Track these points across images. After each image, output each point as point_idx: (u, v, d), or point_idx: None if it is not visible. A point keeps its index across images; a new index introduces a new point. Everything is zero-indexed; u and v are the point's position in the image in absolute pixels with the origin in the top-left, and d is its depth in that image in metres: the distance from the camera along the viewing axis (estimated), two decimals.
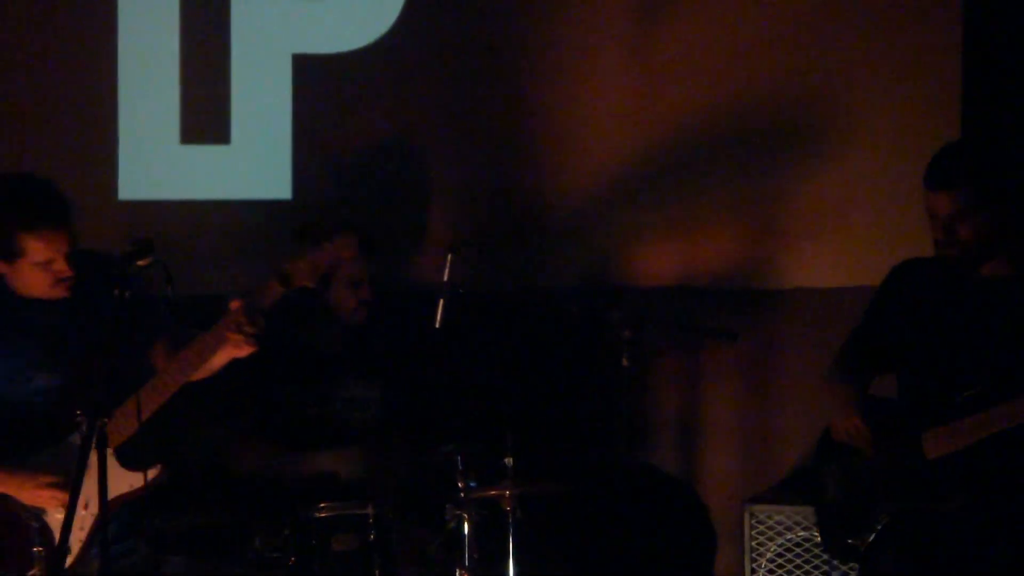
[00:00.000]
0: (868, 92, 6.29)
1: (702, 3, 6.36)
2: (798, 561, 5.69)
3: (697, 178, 6.39)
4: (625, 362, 5.52)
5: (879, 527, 4.81)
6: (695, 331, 6.25)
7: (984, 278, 4.72)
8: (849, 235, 6.10)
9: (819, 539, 5.21)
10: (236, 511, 5.43)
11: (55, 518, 4.42)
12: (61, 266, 4.47)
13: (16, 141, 6.24)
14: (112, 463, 4.38)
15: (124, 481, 4.51)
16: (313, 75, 6.32)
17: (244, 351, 4.59)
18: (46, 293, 4.55)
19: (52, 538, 4.44)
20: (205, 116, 6.32)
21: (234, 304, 4.54)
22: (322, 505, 5.10)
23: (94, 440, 4.09)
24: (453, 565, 5.14)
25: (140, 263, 4.29)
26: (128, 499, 4.53)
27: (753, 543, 5.79)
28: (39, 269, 4.48)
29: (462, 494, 5.16)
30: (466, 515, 5.13)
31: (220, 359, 4.61)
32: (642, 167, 6.40)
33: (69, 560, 4.46)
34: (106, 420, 4.08)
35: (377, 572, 5.06)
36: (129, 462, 4.51)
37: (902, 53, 6.30)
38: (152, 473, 4.57)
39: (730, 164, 6.38)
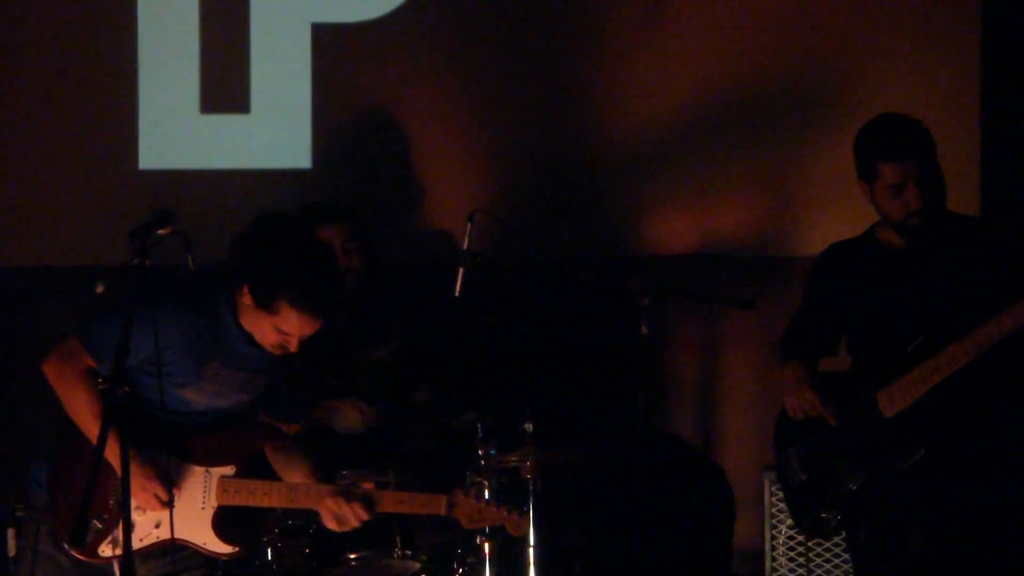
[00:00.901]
0: (885, 63, 6.37)
1: None
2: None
3: (714, 148, 6.46)
4: (644, 329, 5.51)
5: (849, 495, 4.87)
6: (713, 299, 6.28)
7: (918, 248, 4.83)
8: (861, 203, 5.70)
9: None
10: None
11: (132, 510, 4.42)
12: (294, 343, 4.50)
13: (38, 111, 6.35)
14: (205, 518, 4.52)
15: (203, 535, 4.55)
16: (332, 44, 6.37)
17: (332, 527, 4.64)
18: (265, 345, 4.55)
19: (116, 523, 4.45)
20: (225, 85, 6.39)
21: (369, 486, 4.61)
22: (343, 473, 5.07)
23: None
24: (473, 532, 5.11)
25: (160, 232, 4.19)
26: (193, 548, 4.55)
27: (773, 509, 5.90)
28: (275, 331, 4.48)
29: (482, 461, 5.17)
30: (486, 482, 5.14)
31: (307, 506, 4.67)
32: (660, 138, 6.48)
33: (114, 551, 4.49)
34: (127, 389, 3.96)
35: (397, 539, 5.10)
36: (219, 528, 4.57)
37: (921, 25, 6.37)
38: (229, 550, 4.60)
39: (746, 135, 6.45)
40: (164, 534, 4.49)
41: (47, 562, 4.56)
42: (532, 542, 5.12)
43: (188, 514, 4.53)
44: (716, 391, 6.60)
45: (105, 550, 4.46)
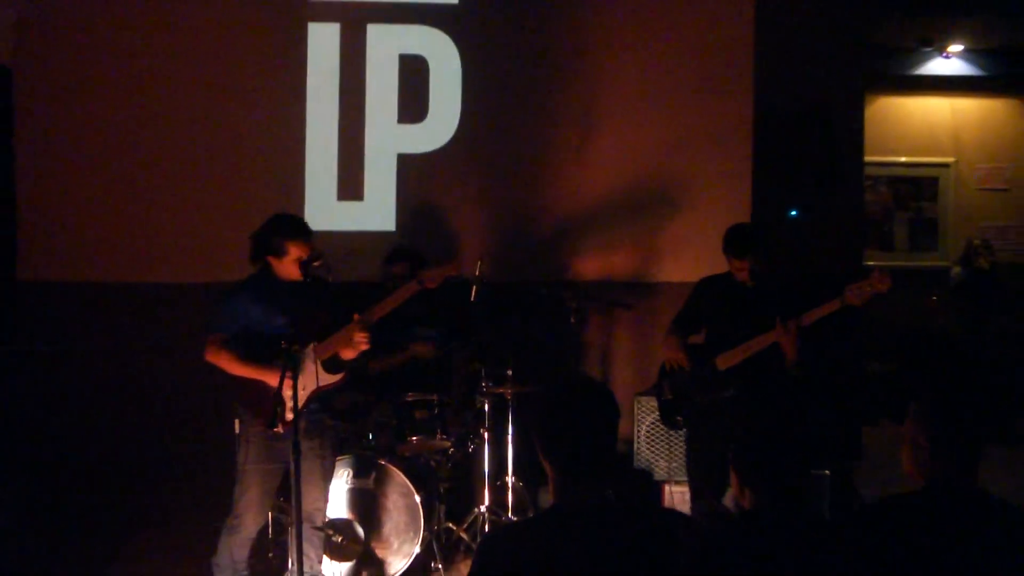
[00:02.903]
0: (701, 179, 7.53)
1: (618, 128, 7.53)
2: (662, 428, 6.82)
3: (615, 217, 7.52)
4: (572, 320, 6.74)
5: (694, 408, 5.86)
6: (612, 303, 7.32)
7: (748, 284, 5.77)
8: (692, 252, 7.16)
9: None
10: (365, 395, 6.41)
11: (286, 393, 5.02)
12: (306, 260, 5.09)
13: (244, 202, 7.41)
14: (320, 370, 5.26)
15: (324, 378, 5.25)
16: (409, 163, 7.55)
17: (351, 355, 5.18)
18: (293, 277, 5.20)
19: (284, 404, 5.05)
20: (351, 185, 7.53)
21: (356, 316, 5.13)
22: (409, 394, 6.28)
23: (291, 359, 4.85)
24: (480, 427, 6.40)
25: (316, 264, 5.16)
26: (325, 389, 5.23)
27: (638, 415, 7.09)
28: (293, 263, 5.19)
29: (484, 389, 6.39)
30: (486, 400, 6.36)
31: (341, 351, 5.18)
32: (584, 211, 7.56)
33: (291, 416, 5.05)
34: (297, 347, 4.86)
35: (438, 430, 6.23)
36: (328, 370, 5.29)
37: (714, 160, 7.54)
38: (337, 377, 5.30)
39: (633, 209, 7.51)
40: (308, 392, 5.20)
41: (256, 438, 5.27)
42: (511, 433, 6.40)
43: (311, 374, 5.22)
44: (612, 354, 7.63)
45: (288, 415, 5.08)
